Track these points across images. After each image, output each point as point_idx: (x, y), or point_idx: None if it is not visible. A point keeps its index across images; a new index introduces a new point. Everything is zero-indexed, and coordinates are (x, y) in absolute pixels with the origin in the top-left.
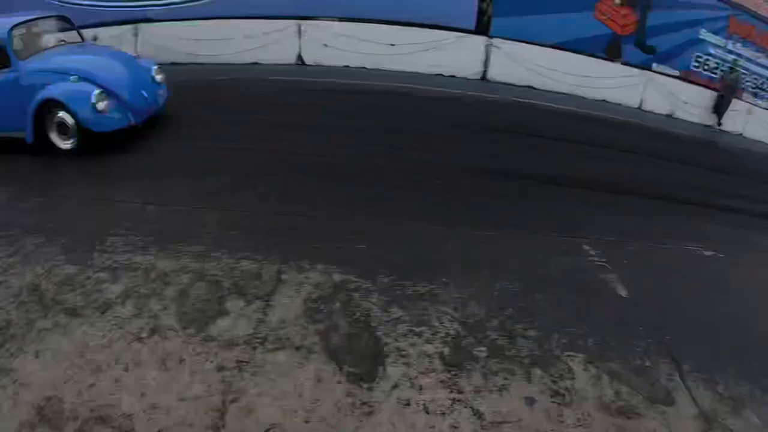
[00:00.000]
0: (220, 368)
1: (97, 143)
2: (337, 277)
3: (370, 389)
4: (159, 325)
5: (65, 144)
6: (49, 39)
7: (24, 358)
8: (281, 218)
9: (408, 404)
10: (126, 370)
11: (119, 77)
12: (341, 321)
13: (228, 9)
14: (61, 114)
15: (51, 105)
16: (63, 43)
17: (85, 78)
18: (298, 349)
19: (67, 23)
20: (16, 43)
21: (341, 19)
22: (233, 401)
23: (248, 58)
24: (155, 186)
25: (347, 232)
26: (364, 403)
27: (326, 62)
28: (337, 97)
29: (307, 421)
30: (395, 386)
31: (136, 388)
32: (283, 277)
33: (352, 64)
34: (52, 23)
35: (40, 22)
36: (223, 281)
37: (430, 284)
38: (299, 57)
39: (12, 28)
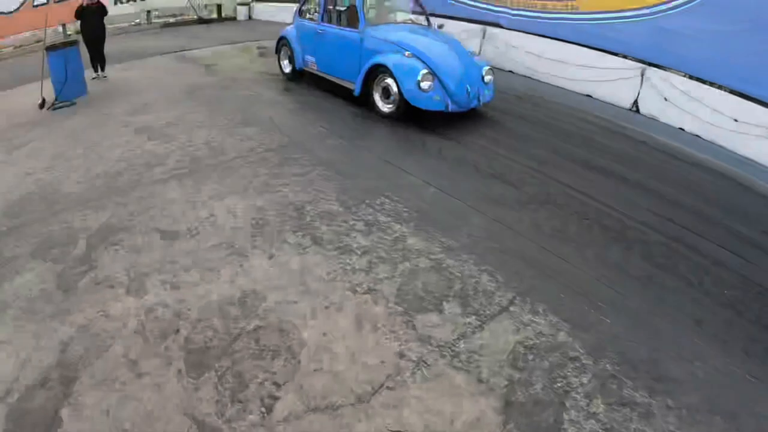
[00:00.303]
0: (402, 355)
1: (411, 115)
2: (562, 337)
3: None
4: (377, 289)
5: (385, 107)
6: (398, 15)
7: (259, 255)
8: (542, 252)
9: None
10: (327, 307)
11: (449, 66)
12: (538, 381)
13: (580, 35)
14: (389, 81)
15: (381, 70)
16: (410, 21)
17: (417, 56)
18: (480, 381)
19: (417, 5)
20: (367, 10)
21: (690, 77)
22: (390, 389)
23: (583, 89)
24: (443, 171)
25: (601, 298)
26: None
27: (661, 117)
28: (659, 157)
29: None
30: None
31: (324, 327)
32: (512, 308)
33: (687, 128)
34: (402, 2)
35: None
36: (455, 282)
37: (651, 398)
38: (635, 103)
39: None
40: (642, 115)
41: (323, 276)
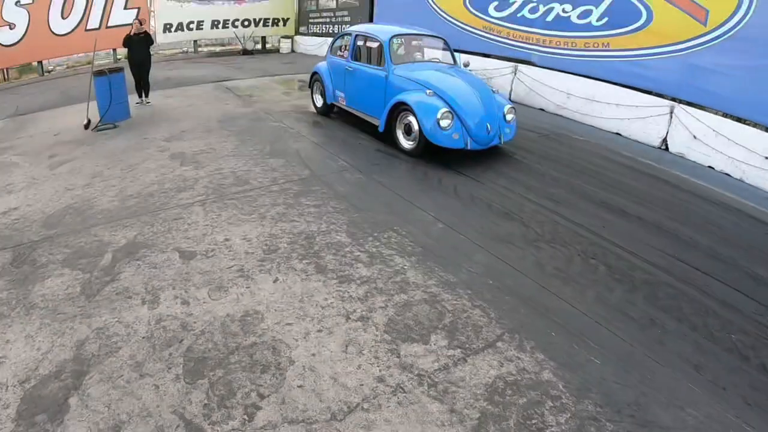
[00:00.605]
0: (381, 379)
1: (432, 152)
2: (546, 376)
3: None
4: (369, 317)
5: (406, 143)
6: (424, 53)
7: (265, 278)
8: (540, 291)
9: None
10: (319, 331)
11: (469, 104)
12: (512, 417)
13: (610, 73)
14: (410, 118)
15: (404, 108)
16: (436, 60)
17: (438, 95)
18: (452, 411)
19: (444, 44)
20: (393, 50)
21: (723, 114)
22: (365, 410)
23: (612, 127)
24: (455, 208)
25: (595, 339)
26: None
27: (690, 156)
28: (681, 197)
29: None
30: None
31: (313, 348)
32: (499, 344)
33: (716, 166)
34: (430, 41)
35: (420, 37)
36: (446, 316)
37: None
38: (664, 141)
39: (392, 37)
40: (671, 153)
41: (321, 302)
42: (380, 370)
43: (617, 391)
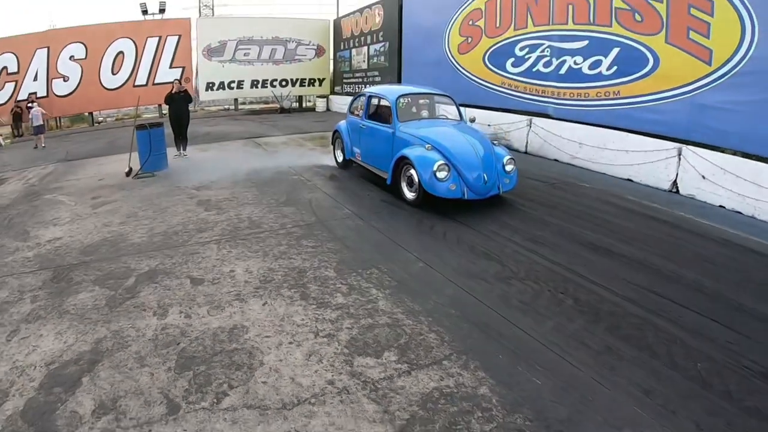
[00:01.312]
0: (331, 382)
1: (432, 202)
2: (482, 391)
3: None
4: (335, 335)
5: (409, 194)
6: (430, 111)
7: (256, 301)
8: (498, 321)
9: None
10: (290, 343)
11: (467, 157)
12: (439, 421)
13: (621, 120)
14: (412, 171)
15: (406, 162)
16: (443, 117)
17: (436, 149)
18: (386, 412)
19: (450, 101)
20: (400, 108)
21: (734, 152)
22: (311, 404)
23: (623, 173)
24: (438, 249)
25: (542, 362)
26: None
27: (700, 196)
28: (678, 235)
29: None
30: None
31: (282, 356)
32: (445, 362)
33: (726, 205)
34: (437, 99)
35: (427, 96)
36: (402, 337)
37: None
38: (674, 184)
39: (399, 97)
40: (681, 195)
41: (297, 321)
42: (332, 376)
43: (551, 408)
